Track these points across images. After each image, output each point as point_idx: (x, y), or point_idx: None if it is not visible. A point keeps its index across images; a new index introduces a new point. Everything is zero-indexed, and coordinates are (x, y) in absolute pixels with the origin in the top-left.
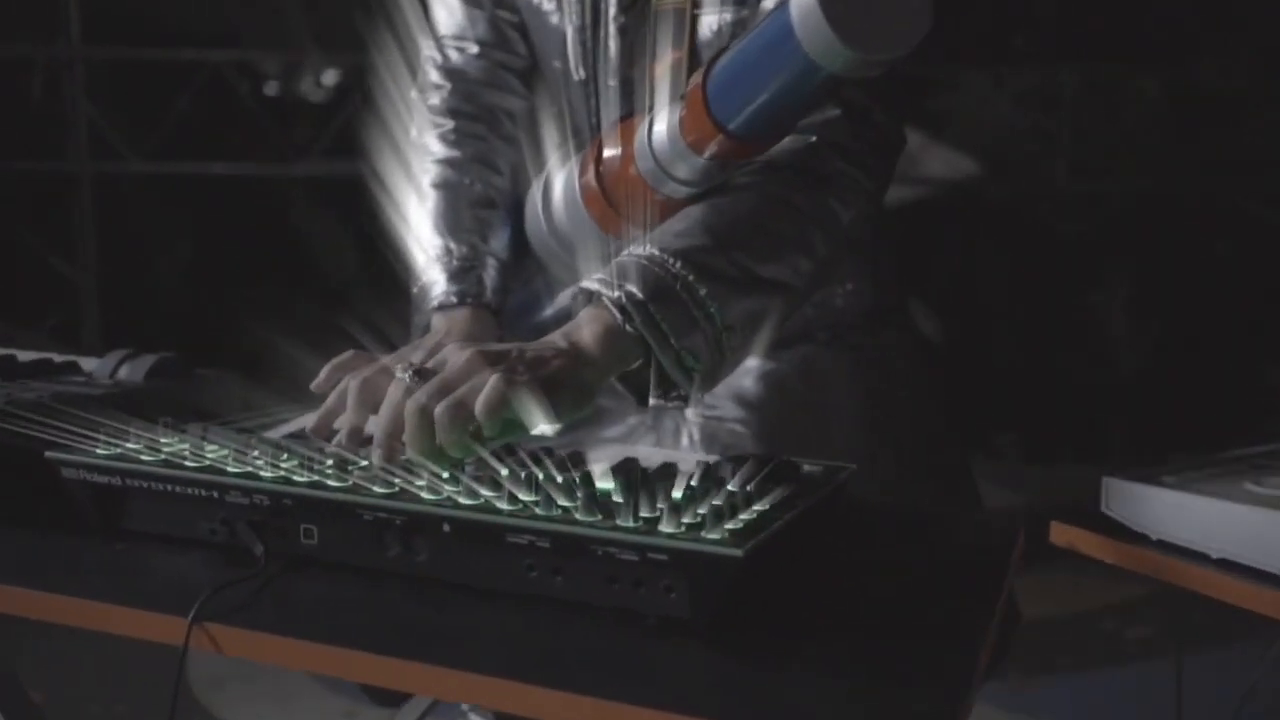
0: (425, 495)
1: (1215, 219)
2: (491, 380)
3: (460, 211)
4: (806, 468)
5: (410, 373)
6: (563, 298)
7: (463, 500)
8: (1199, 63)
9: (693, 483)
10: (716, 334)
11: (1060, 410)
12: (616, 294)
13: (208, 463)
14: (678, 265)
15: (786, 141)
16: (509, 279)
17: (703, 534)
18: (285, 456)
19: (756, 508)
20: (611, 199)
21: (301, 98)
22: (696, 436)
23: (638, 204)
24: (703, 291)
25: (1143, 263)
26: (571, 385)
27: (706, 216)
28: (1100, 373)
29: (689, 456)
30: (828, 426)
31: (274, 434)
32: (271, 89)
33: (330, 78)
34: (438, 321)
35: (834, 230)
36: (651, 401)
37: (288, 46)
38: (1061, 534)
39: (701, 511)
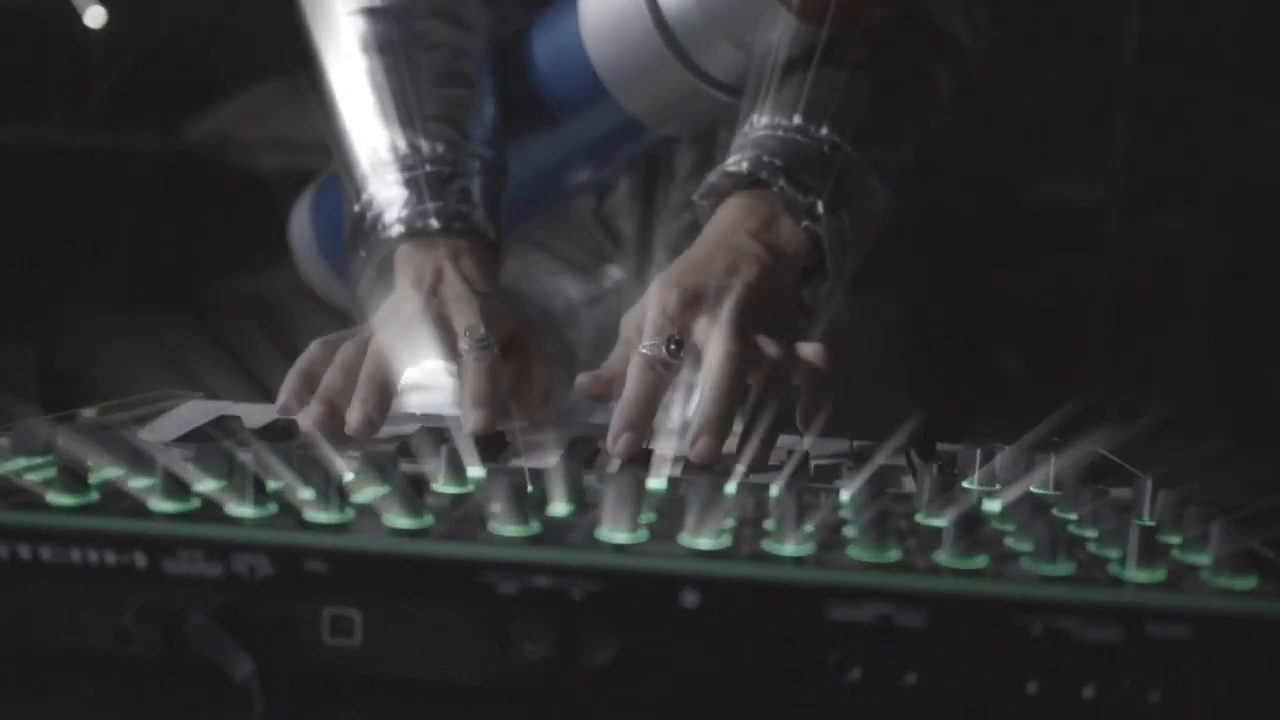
0: (620, 538)
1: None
2: (816, 350)
3: (420, 89)
4: None
5: (478, 340)
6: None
7: (702, 545)
8: None
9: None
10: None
11: None
12: (808, 199)
13: (91, 496)
14: (868, 167)
15: None
16: (501, 193)
17: (1207, 577)
18: (273, 471)
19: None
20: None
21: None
22: None
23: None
24: (872, 202)
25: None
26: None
27: (858, 87)
28: None
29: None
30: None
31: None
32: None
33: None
34: (414, 259)
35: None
36: None
37: None
38: None
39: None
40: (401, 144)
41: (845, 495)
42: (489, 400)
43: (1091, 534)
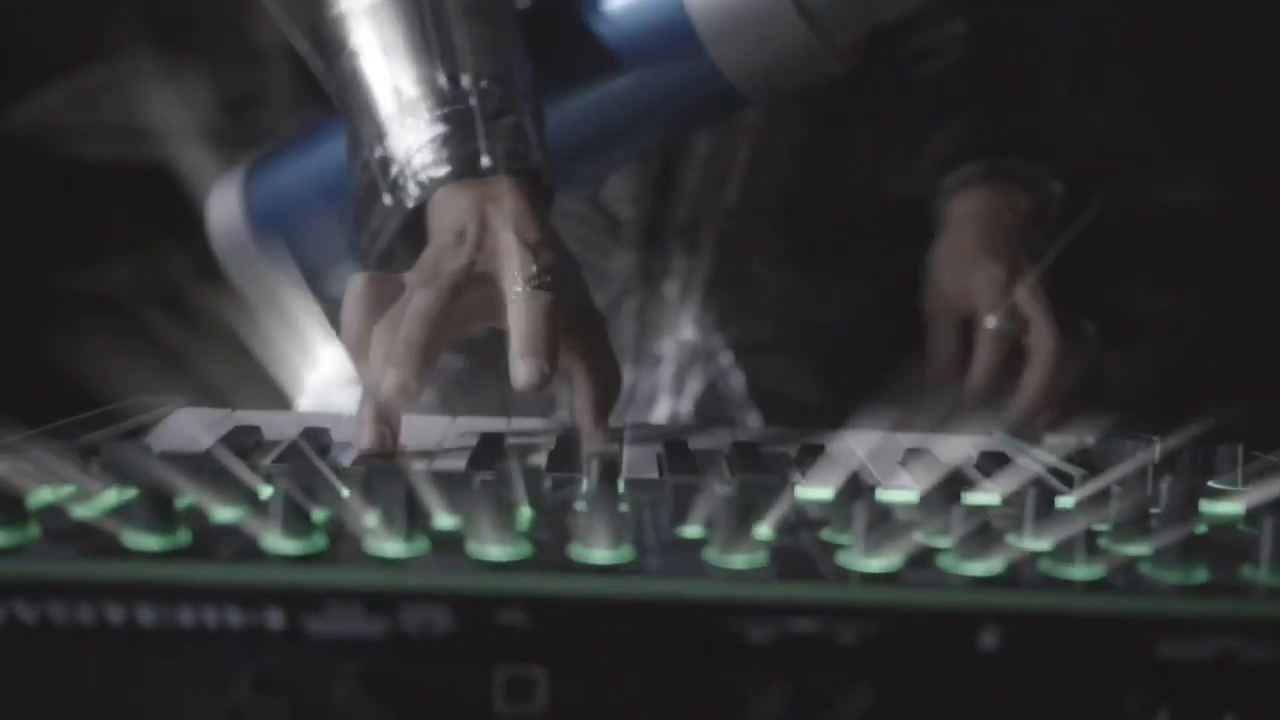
0: (875, 565)
1: None
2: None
3: (457, 24)
4: None
5: (530, 276)
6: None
7: (977, 572)
8: None
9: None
10: None
11: None
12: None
13: (180, 536)
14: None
15: None
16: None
17: None
18: (416, 497)
19: None
20: None
21: None
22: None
23: None
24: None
25: None
26: None
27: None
28: None
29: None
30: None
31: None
32: None
33: None
34: (453, 204)
35: None
36: None
37: None
38: None
39: None
40: (441, 78)
41: (1068, 502)
42: (546, 347)
43: None
